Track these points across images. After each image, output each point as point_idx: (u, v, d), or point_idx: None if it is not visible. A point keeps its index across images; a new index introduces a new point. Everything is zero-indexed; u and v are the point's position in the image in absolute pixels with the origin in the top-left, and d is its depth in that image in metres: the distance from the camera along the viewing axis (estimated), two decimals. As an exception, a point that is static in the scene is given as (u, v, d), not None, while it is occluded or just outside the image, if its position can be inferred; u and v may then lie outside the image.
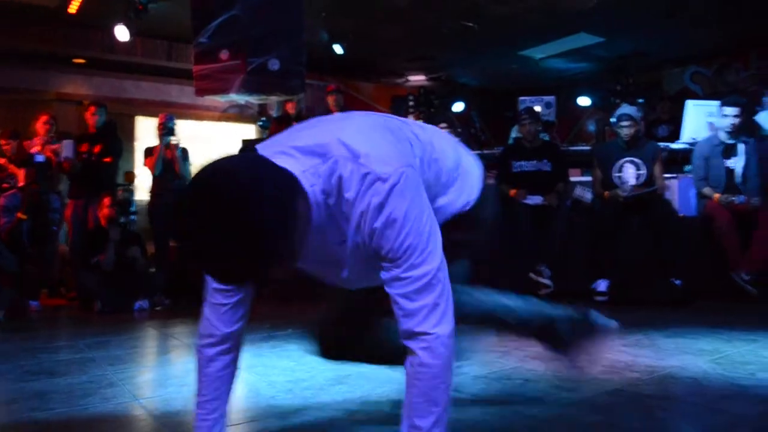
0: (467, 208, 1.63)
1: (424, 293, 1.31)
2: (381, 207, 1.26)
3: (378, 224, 1.28)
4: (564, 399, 2.16)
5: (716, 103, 5.26)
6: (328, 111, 7.23)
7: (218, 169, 1.18)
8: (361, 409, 2.09)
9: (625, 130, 4.98)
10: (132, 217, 6.21)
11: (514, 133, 7.98)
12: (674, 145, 6.04)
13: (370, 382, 2.42)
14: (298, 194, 1.24)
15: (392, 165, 1.29)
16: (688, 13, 7.36)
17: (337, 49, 8.02)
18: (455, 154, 1.63)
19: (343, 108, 7.21)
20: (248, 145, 6.43)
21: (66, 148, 5.76)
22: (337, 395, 2.26)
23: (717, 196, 4.89)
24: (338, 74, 8.99)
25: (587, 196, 5.75)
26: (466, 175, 1.65)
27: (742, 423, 1.92)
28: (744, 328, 3.46)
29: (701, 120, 5.99)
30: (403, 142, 1.42)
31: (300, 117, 7.53)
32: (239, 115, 9.06)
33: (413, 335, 1.32)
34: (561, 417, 1.98)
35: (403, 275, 1.30)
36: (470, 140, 8.53)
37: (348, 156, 1.29)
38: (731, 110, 4.90)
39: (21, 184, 5.75)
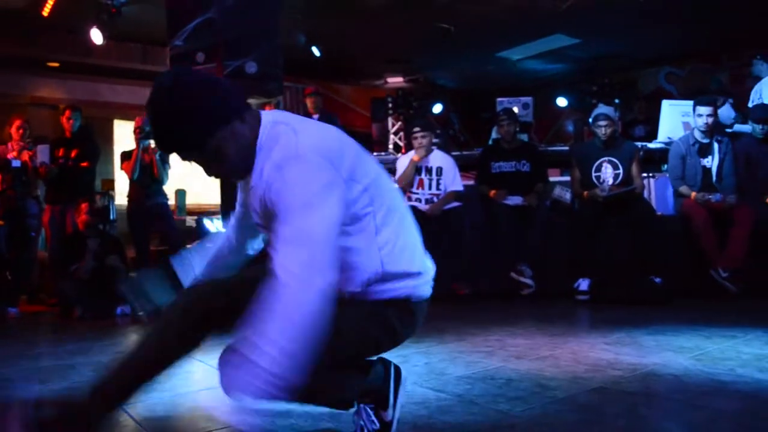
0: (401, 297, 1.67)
1: (295, 246, 1.34)
2: (280, 166, 1.43)
3: (273, 180, 1.45)
4: (548, 398, 2.17)
5: (691, 102, 5.34)
6: (307, 113, 7.22)
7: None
8: (347, 410, 2.08)
9: (603, 130, 5.03)
10: (111, 224, 6.15)
11: (494, 134, 8.04)
12: (651, 145, 6.12)
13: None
14: (244, 109, 1.52)
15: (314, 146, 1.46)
16: (661, 16, 7.47)
17: (315, 51, 8.02)
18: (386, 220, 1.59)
19: (322, 110, 7.20)
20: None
21: (41, 152, 5.69)
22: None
23: (694, 194, 4.95)
24: (316, 77, 8.98)
25: (566, 195, 5.81)
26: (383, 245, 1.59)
27: (722, 418, 1.95)
28: (723, 324, 3.51)
29: (677, 119, 6.08)
30: (342, 150, 1.53)
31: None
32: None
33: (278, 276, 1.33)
34: (545, 416, 1.99)
35: (280, 230, 1.37)
36: (449, 142, 8.57)
37: (293, 129, 1.51)
38: (705, 109, 4.98)
39: (-3, 189, 5.67)
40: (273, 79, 5.89)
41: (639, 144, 5.66)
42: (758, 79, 6.24)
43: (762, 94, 5.96)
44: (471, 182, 5.74)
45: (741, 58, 8.42)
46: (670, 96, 8.62)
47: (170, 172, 5.80)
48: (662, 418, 2.02)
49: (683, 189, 5.06)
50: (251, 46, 5.60)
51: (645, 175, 5.56)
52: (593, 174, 5.07)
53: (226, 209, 5.98)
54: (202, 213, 7.27)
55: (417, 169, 5.23)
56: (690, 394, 2.21)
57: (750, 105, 6.05)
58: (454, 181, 5.28)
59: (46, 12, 6.65)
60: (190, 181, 8.00)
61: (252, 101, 6.43)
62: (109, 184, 7.76)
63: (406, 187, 5.20)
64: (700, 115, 5.00)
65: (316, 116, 7.12)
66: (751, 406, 1.74)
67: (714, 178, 5.02)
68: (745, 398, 2.13)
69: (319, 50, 8.04)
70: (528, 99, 7.79)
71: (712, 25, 7.87)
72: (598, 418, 2.00)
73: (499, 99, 7.46)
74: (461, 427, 1.91)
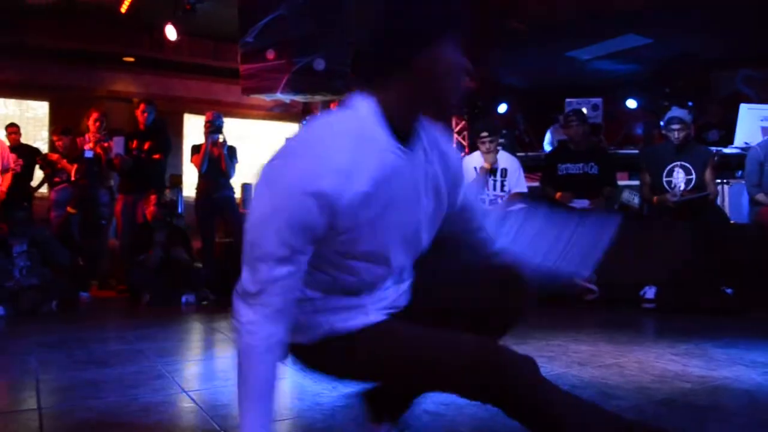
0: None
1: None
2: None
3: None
4: (612, 407, 2.11)
5: (770, 106, 5.12)
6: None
7: None
8: (407, 409, 2.08)
9: (676, 134, 4.88)
10: (178, 217, 6.33)
11: (548, 136, 7.89)
12: (726, 150, 5.89)
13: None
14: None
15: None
16: (737, 14, 7.16)
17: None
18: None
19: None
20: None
21: (117, 144, 5.90)
22: (382, 395, 2.25)
23: (771, 202, 4.75)
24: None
25: (635, 200, 5.65)
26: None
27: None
28: (800, 339, 3.35)
29: (755, 124, 5.83)
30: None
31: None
32: (284, 113, 9.15)
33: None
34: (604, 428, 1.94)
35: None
36: (514, 142, 8.45)
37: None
38: (787, 114, 4.76)
39: (72, 179, 5.92)
40: (340, 76, 5.94)
41: (713, 149, 5.46)
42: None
43: None
44: (536, 184, 5.65)
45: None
46: (749, 100, 8.26)
47: (237, 166, 5.93)
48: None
49: (760, 197, 4.85)
50: (320, 44, 5.66)
51: (719, 181, 5.35)
52: (664, 179, 4.92)
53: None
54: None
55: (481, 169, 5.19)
56: (762, 412, 2.11)
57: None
58: (518, 182, 5.21)
59: (123, 8, 6.89)
60: (255, 176, 8.14)
61: (319, 98, 6.51)
62: (177, 179, 7.98)
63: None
64: (780, 120, 4.79)
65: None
66: (750, 401, 1.66)
67: (794, 186, 4.80)
68: (745, 396, 2.03)
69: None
70: (597, 100, 7.62)
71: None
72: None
73: (567, 99, 7.32)
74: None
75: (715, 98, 8.98)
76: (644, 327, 4.16)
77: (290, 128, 9.13)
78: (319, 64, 5.75)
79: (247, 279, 1.26)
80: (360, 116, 1.27)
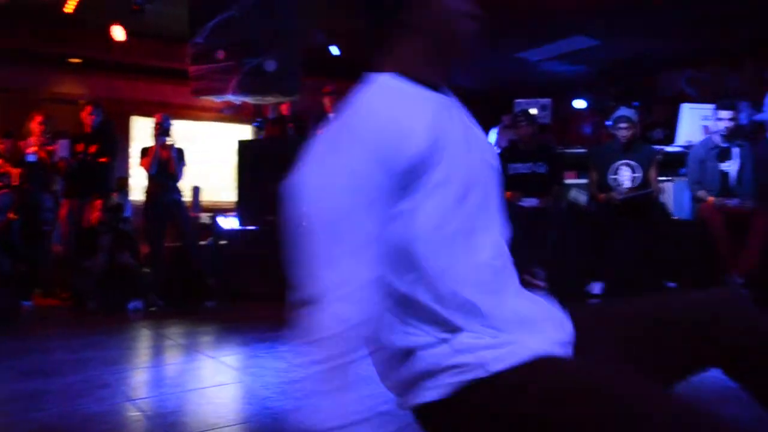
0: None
1: None
2: None
3: None
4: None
5: (711, 106, 5.28)
6: (324, 112, 7.23)
7: None
8: (356, 410, 2.08)
9: (623, 132, 4.99)
10: (125, 221, 6.19)
11: (494, 137, 8.00)
12: (669, 148, 6.05)
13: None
14: None
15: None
16: (682, 17, 7.38)
17: (334, 50, 8.03)
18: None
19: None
20: (243, 146, 6.42)
21: (62, 147, 5.74)
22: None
23: (711, 199, 4.89)
24: (335, 75, 8.98)
25: (582, 198, 5.77)
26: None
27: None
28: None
29: (696, 123, 6.02)
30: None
31: (296, 118, 7.54)
32: (235, 115, 9.05)
33: None
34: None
35: None
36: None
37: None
38: (726, 113, 4.92)
39: (14, 184, 5.74)
40: (292, 77, 5.90)
41: (658, 147, 5.60)
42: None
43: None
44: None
45: (765, 60, 8.31)
46: (691, 99, 8.52)
47: (186, 169, 5.84)
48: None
49: (701, 193, 5.00)
50: (271, 45, 5.62)
51: (662, 178, 5.50)
52: (610, 177, 5.03)
53: (241, 206, 6.02)
54: (217, 210, 7.29)
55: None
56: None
57: (766, 109, 5.95)
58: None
59: (69, 8, 6.72)
60: (205, 178, 8.06)
61: (270, 99, 6.46)
62: (124, 182, 7.82)
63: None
64: (720, 119, 4.94)
65: (333, 115, 7.13)
66: (762, 414, 1.71)
67: (734, 183, 4.96)
68: (756, 405, 2.09)
69: (339, 48, 8.05)
70: (546, 101, 7.75)
71: (735, 26, 7.76)
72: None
73: (517, 100, 7.42)
74: None
75: (660, 98, 9.23)
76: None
77: (241, 130, 9.05)
78: (270, 65, 5.71)
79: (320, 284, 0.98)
80: (388, 84, 1.15)
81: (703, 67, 9.59)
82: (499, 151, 6.07)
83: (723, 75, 9.24)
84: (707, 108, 5.68)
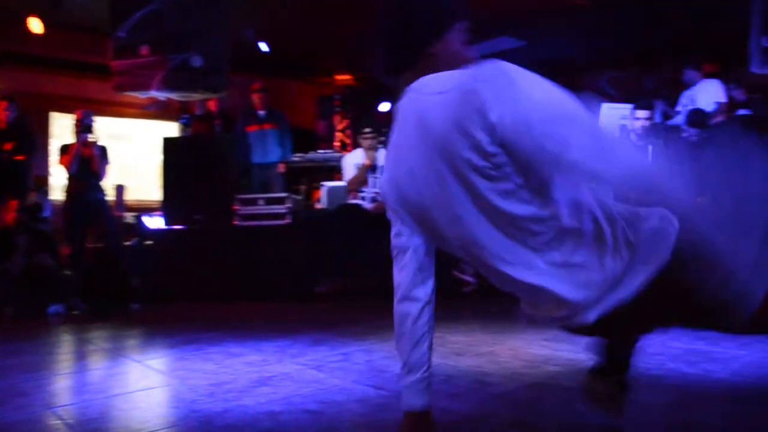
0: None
1: None
2: None
3: None
4: (486, 394, 2.20)
5: (630, 106, 5.49)
6: (252, 108, 7.14)
7: None
8: (285, 409, 2.07)
9: (545, 132, 5.13)
10: (43, 221, 5.95)
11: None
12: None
13: (295, 383, 2.41)
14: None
15: None
16: (603, 20, 7.66)
17: (263, 46, 7.93)
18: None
19: (269, 107, 7.13)
20: (169, 144, 6.26)
21: (-26, 145, 5.47)
22: (260, 397, 2.23)
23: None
24: (263, 72, 8.88)
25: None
26: None
27: (652, 411, 2.01)
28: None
29: (615, 122, 6.24)
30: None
31: (223, 115, 7.41)
32: (160, 112, 8.82)
33: None
34: (483, 412, 2.02)
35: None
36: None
37: None
38: (643, 113, 5.13)
39: None
40: (218, 73, 5.81)
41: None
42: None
43: (695, 100, 6.16)
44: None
45: (681, 62, 8.71)
46: (612, 99, 8.83)
47: (109, 167, 5.65)
48: (596, 411, 2.08)
49: (621, 190, 5.20)
50: (197, 40, 5.52)
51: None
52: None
53: (167, 205, 5.87)
54: (141, 210, 7.09)
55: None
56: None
57: (679, 110, 6.23)
58: (399, 179, 5.30)
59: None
60: (129, 177, 7.83)
61: (197, 96, 6.34)
62: (43, 180, 7.50)
63: (355, 190, 5.23)
64: (638, 118, 5.15)
65: (262, 112, 7.05)
66: (680, 399, 1.81)
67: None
68: (673, 391, 2.20)
69: (268, 45, 7.96)
70: (474, 99, 7.88)
71: (653, 30, 8.10)
72: (534, 413, 2.04)
73: (445, 99, 7.52)
74: (399, 423, 1.92)
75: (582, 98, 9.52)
76: (518, 315, 4.34)
77: (167, 127, 8.83)
78: (197, 61, 5.60)
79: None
80: None
81: (623, 69, 9.97)
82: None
83: (641, 76, 9.64)
84: (626, 107, 5.90)
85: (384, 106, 9.82)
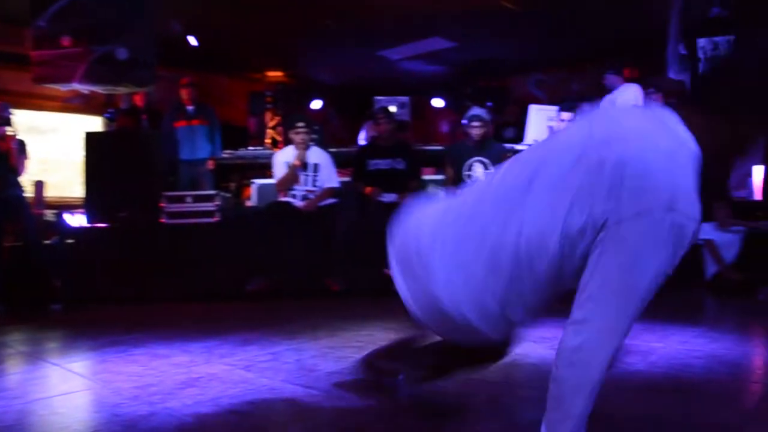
0: None
1: None
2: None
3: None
4: (415, 389, 2.23)
5: (556, 108, 5.66)
6: (181, 104, 6.98)
7: None
8: (212, 411, 2.04)
9: (476, 131, 5.23)
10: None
11: (363, 133, 8.14)
12: (519, 146, 6.42)
13: (222, 384, 2.38)
14: None
15: None
16: (531, 25, 7.86)
17: (192, 40, 7.75)
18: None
19: (198, 102, 6.99)
20: (92, 139, 6.04)
21: None
22: (186, 399, 2.19)
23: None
24: (192, 66, 8.69)
25: (440, 194, 5.97)
26: None
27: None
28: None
29: (543, 123, 6.42)
30: None
31: (150, 110, 7.22)
32: (83, 106, 8.50)
33: None
34: (411, 407, 2.04)
35: None
36: (327, 138, 8.57)
37: None
38: (567, 115, 5.30)
39: None
40: (145, 67, 5.67)
41: (508, 146, 5.93)
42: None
43: (615, 103, 6.40)
44: (347, 179, 5.78)
45: (603, 67, 9.03)
46: (539, 101, 9.08)
47: (28, 162, 5.42)
48: (521, 405, 2.14)
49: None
50: (123, 32, 5.39)
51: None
52: (465, 173, 5.26)
53: (89, 203, 5.67)
54: (62, 207, 6.82)
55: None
56: (546, 382, 2.34)
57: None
58: (330, 177, 5.30)
59: None
60: (49, 173, 7.53)
61: (122, 89, 6.15)
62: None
63: (285, 190, 5.19)
64: (563, 120, 5.32)
65: (191, 107, 6.91)
66: (600, 390, 1.87)
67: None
68: None
69: (197, 39, 7.78)
70: (405, 98, 7.96)
71: (578, 36, 8.37)
72: (461, 408, 2.07)
73: (376, 97, 7.56)
74: (330, 422, 1.92)
75: (511, 99, 9.76)
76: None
77: (92, 122, 8.53)
78: (122, 53, 5.46)
79: None
80: None
81: (550, 72, 10.27)
82: (359, 146, 6.16)
83: (567, 79, 9.94)
84: (552, 109, 6.08)
85: (316, 104, 9.78)
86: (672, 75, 6.48)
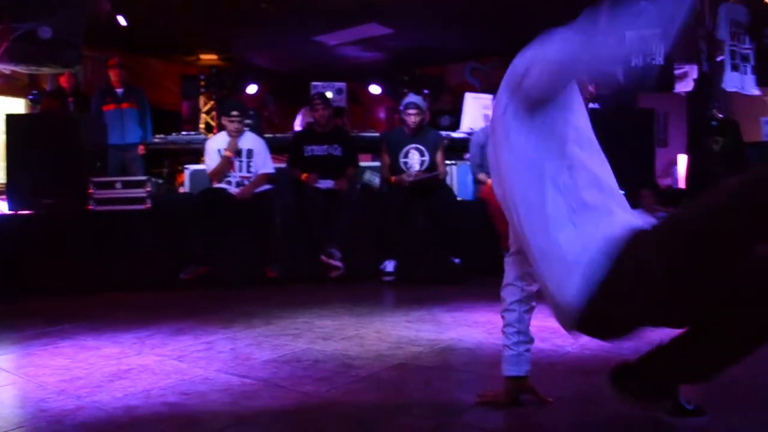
0: None
1: None
2: None
3: None
4: (351, 377, 2.23)
5: (491, 96, 5.73)
6: (109, 86, 6.75)
7: None
8: (143, 404, 1.99)
9: (412, 118, 5.24)
10: None
11: (299, 119, 8.07)
12: (454, 134, 6.50)
13: (154, 375, 2.32)
14: None
15: None
16: (466, 14, 7.93)
17: (121, 20, 7.48)
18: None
19: (128, 84, 6.77)
20: (14, 121, 5.76)
21: None
22: (116, 392, 2.12)
23: (490, 181, 5.33)
24: (122, 47, 8.39)
25: (376, 180, 5.99)
26: None
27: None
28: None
29: (478, 111, 6.51)
30: None
31: (77, 92, 6.95)
32: (5, 87, 8.11)
33: None
34: (348, 394, 2.04)
35: None
36: (263, 124, 8.45)
37: None
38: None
39: None
40: (71, 46, 5.44)
41: (444, 133, 5.98)
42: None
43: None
44: (283, 165, 5.71)
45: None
46: (474, 90, 9.19)
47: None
48: (456, 389, 2.17)
49: (482, 176, 5.43)
50: (45, 9, 5.15)
51: (448, 162, 5.89)
52: (401, 160, 5.27)
53: (11, 188, 5.42)
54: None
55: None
56: (482, 366, 2.39)
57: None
58: (265, 163, 5.23)
59: None
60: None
61: (46, 70, 5.89)
62: None
63: (218, 180, 5.10)
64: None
65: (120, 90, 6.69)
66: (533, 373, 1.92)
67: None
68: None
69: (126, 19, 7.51)
70: (342, 84, 7.91)
71: (510, 25, 8.49)
72: (397, 393, 2.09)
73: (313, 83, 7.48)
74: (265, 411, 1.90)
75: (447, 87, 9.85)
76: (384, 298, 4.45)
77: (14, 103, 8.14)
78: (45, 32, 5.22)
79: None
80: None
81: (485, 60, 10.40)
82: (296, 132, 6.09)
83: (501, 68, 10.09)
84: (487, 98, 6.16)
85: (251, 89, 9.62)
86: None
